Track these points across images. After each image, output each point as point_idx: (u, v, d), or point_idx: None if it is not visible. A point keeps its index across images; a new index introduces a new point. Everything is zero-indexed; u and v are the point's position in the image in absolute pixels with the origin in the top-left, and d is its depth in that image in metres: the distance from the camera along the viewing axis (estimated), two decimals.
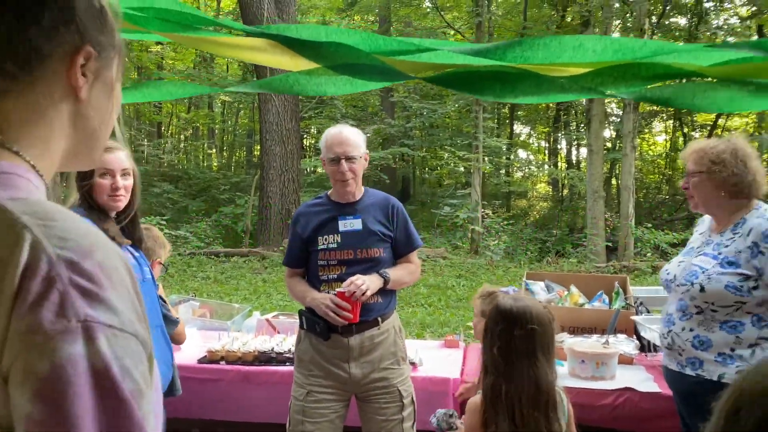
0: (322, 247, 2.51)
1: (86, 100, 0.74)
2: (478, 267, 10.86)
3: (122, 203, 2.18)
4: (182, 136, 23.89)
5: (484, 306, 2.29)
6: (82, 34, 0.71)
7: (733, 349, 2.15)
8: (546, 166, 21.18)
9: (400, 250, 2.61)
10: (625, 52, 1.18)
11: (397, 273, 2.55)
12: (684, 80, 1.37)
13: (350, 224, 2.53)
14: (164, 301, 2.62)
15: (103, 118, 0.77)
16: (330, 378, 2.46)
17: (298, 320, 3.58)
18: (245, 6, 11.40)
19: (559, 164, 21.32)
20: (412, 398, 2.55)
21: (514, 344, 1.79)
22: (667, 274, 2.41)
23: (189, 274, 10.00)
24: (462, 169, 14.27)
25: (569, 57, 1.18)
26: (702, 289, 2.18)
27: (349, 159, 2.50)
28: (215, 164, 22.86)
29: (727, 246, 2.23)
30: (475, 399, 1.88)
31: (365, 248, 2.51)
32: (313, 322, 2.48)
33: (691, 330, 2.23)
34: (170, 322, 2.55)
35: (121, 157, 2.16)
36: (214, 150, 23.82)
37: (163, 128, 21.42)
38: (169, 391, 2.37)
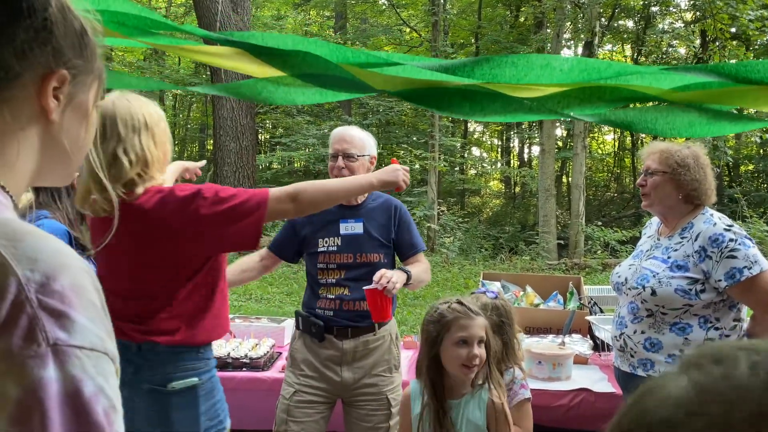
0: (321, 249, 2.46)
1: (57, 124, 0.73)
2: (435, 264, 10.95)
3: None
4: None
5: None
6: (58, 57, 0.70)
7: (682, 350, 2.22)
8: (499, 164, 21.52)
9: (405, 251, 2.55)
10: (590, 72, 1.21)
11: (415, 269, 2.47)
12: (647, 104, 1.41)
13: (351, 227, 2.47)
14: None
15: (76, 142, 0.76)
16: (320, 380, 2.42)
17: (253, 324, 3.57)
18: None
19: (512, 162, 21.71)
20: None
21: None
22: (618, 277, 2.47)
23: None
24: (417, 166, 14.35)
25: (536, 76, 1.20)
26: (653, 293, 2.24)
27: (347, 156, 2.44)
28: None
29: (676, 250, 2.30)
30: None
31: (365, 253, 2.45)
32: (309, 323, 2.43)
33: (642, 332, 2.29)
34: None
35: None
36: None
37: None
38: None
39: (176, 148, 23.64)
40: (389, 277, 2.25)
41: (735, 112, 1.30)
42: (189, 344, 1.73)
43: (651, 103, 1.38)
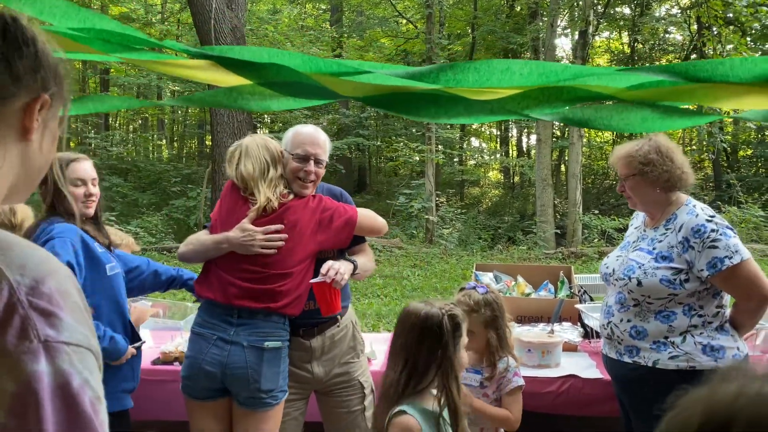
0: None
1: (36, 144, 0.80)
2: (433, 256, 11.02)
3: (93, 210, 2.38)
4: (130, 128, 23.27)
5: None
6: (44, 83, 0.79)
7: (666, 337, 2.29)
8: (497, 155, 21.54)
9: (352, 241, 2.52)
10: (549, 75, 1.27)
11: (361, 259, 2.48)
12: (603, 102, 1.48)
13: None
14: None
15: (47, 162, 0.84)
16: (292, 379, 2.43)
17: None
18: None
19: (510, 152, 21.72)
20: (372, 387, 2.57)
21: None
22: (606, 268, 2.54)
23: None
24: (417, 158, 14.40)
25: (498, 80, 1.25)
26: (639, 284, 2.31)
27: (317, 162, 2.41)
28: (165, 156, 22.37)
29: (660, 241, 2.36)
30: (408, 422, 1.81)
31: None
32: None
33: (628, 321, 2.36)
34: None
35: (89, 167, 2.37)
36: (164, 141, 23.28)
37: (110, 120, 20.80)
38: None
39: (175, 145, 23.69)
40: (336, 269, 2.26)
41: (688, 107, 1.37)
42: (286, 313, 2.29)
43: (607, 102, 1.45)
